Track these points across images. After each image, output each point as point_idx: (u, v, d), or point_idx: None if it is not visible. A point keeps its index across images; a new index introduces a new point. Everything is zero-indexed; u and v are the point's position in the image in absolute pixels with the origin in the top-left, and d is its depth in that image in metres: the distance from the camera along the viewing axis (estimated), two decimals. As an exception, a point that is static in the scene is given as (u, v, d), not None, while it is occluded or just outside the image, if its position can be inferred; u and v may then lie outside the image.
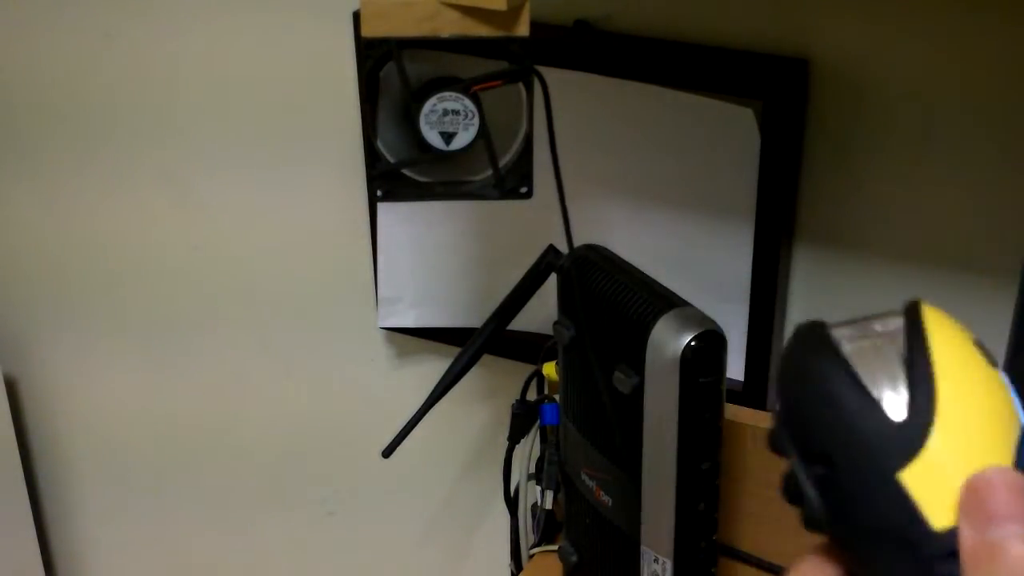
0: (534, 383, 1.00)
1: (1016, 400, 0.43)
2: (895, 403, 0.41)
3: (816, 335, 0.44)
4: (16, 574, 1.53)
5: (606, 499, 0.85)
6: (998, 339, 0.66)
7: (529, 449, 1.00)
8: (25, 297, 1.45)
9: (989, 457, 0.40)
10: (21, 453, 1.49)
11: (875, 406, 0.41)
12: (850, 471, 0.41)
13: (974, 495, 0.39)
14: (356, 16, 1.02)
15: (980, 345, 0.45)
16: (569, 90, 0.94)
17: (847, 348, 0.43)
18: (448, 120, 0.73)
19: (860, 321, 0.45)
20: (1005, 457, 0.40)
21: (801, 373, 0.44)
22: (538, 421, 0.99)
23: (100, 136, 1.29)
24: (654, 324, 0.76)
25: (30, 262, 1.43)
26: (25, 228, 1.40)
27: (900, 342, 0.43)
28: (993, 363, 0.44)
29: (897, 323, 0.45)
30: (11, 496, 1.49)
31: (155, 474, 1.49)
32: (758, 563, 0.95)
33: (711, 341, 0.76)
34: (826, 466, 0.41)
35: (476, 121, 0.73)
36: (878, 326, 0.45)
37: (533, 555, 1.01)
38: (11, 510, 1.50)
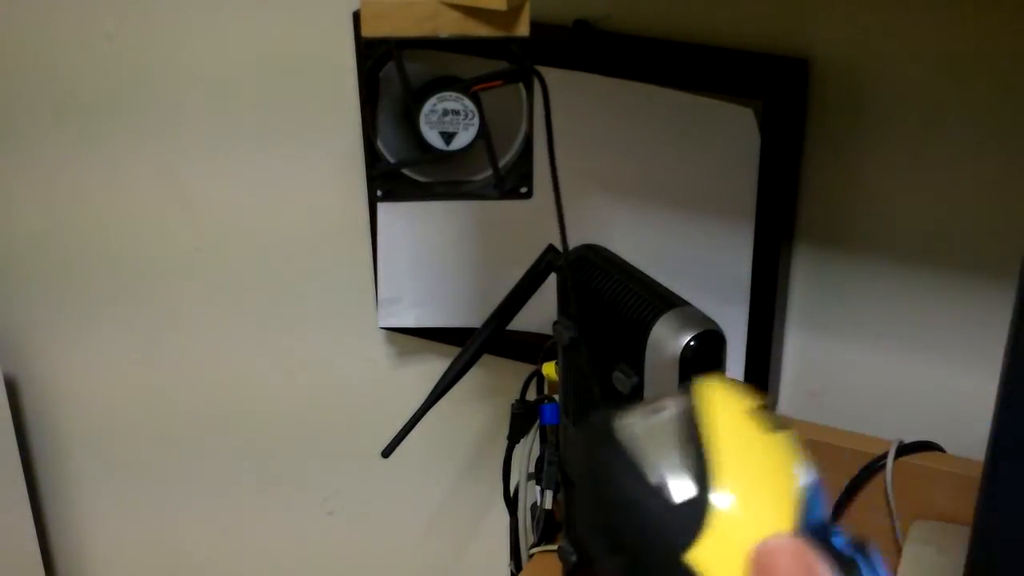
0: (534, 383, 1.00)
1: (800, 461, 0.44)
2: (676, 486, 0.42)
3: (602, 428, 0.45)
4: (16, 573, 1.53)
5: (606, 499, 0.85)
6: (998, 339, 0.66)
7: (529, 449, 1.00)
8: (25, 297, 1.45)
9: (771, 525, 0.41)
10: (21, 453, 1.49)
11: (656, 492, 0.42)
12: (646, 557, 0.42)
13: (759, 567, 0.40)
14: (356, 16, 1.02)
15: (763, 411, 0.46)
16: (569, 90, 0.94)
17: (628, 438, 0.44)
18: (448, 120, 0.73)
19: (646, 407, 0.46)
20: (787, 522, 0.41)
21: (593, 469, 0.45)
22: (538, 421, 0.99)
23: (101, 136, 1.29)
24: (654, 324, 0.76)
25: (30, 262, 1.43)
26: (25, 228, 1.40)
27: (681, 425, 0.44)
28: (777, 427, 0.45)
29: (679, 406, 0.45)
30: (11, 496, 1.49)
31: (155, 473, 1.49)
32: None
33: (711, 341, 0.76)
34: (625, 555, 0.42)
35: (476, 121, 0.73)
36: (660, 411, 0.45)
37: (533, 555, 1.01)
38: (11, 509, 1.50)
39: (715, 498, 0.41)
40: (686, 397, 0.45)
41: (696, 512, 0.41)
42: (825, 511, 0.44)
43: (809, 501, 0.43)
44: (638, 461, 0.43)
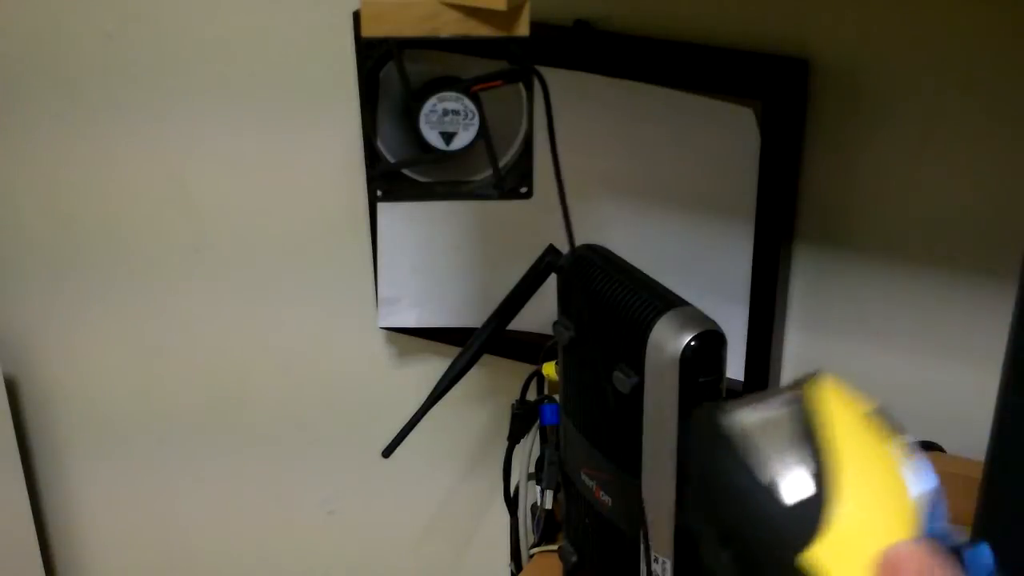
0: (534, 383, 1.00)
1: (910, 469, 0.43)
2: (791, 487, 0.41)
3: (712, 422, 0.45)
4: (16, 572, 1.53)
5: (606, 499, 0.85)
6: (998, 339, 0.66)
7: (529, 449, 1.00)
8: (25, 297, 1.45)
9: (893, 531, 0.40)
10: (21, 453, 1.49)
11: (770, 493, 0.41)
12: (756, 555, 0.41)
13: (890, 570, 0.39)
14: (356, 16, 1.02)
15: (878, 415, 0.45)
16: (569, 90, 0.94)
17: (742, 435, 0.43)
18: (448, 120, 0.73)
19: (757, 402, 0.45)
20: (909, 528, 0.41)
21: (702, 462, 0.44)
22: (538, 421, 0.99)
23: (102, 136, 1.29)
24: (654, 324, 0.76)
25: (30, 262, 1.43)
26: (26, 228, 1.40)
27: (794, 423, 0.43)
28: (892, 431, 0.44)
29: (792, 403, 0.44)
30: (11, 496, 1.49)
31: (155, 473, 1.49)
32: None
33: (711, 341, 0.75)
34: (737, 547, 0.42)
35: (476, 121, 0.73)
36: (773, 407, 0.45)
37: (533, 555, 1.01)
38: (11, 510, 1.50)
39: (834, 499, 0.40)
40: (799, 394, 0.44)
41: (813, 512, 0.40)
42: (945, 519, 0.43)
43: (930, 508, 0.42)
44: (751, 457, 0.42)
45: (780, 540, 0.40)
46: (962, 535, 0.42)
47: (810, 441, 0.42)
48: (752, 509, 0.41)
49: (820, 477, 0.41)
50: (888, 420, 0.44)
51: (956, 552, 0.40)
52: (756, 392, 0.47)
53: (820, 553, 0.40)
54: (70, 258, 1.39)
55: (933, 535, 0.41)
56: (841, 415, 0.44)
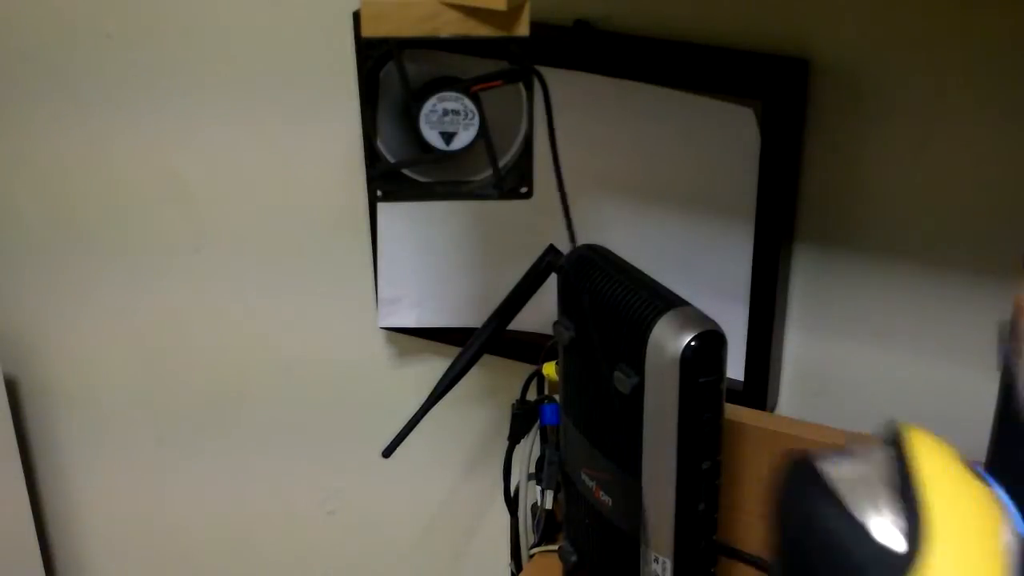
0: (534, 383, 1.00)
1: (1008, 512, 0.43)
2: (889, 533, 0.41)
3: (807, 471, 0.44)
4: (16, 572, 1.53)
5: (606, 499, 0.85)
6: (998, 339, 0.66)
7: (529, 449, 1.00)
8: (25, 297, 1.45)
9: None
10: (21, 453, 1.49)
11: (869, 538, 0.41)
12: None
13: None
14: (356, 16, 1.02)
15: (966, 463, 0.45)
16: (569, 90, 0.94)
17: (837, 482, 0.43)
18: (448, 120, 0.73)
19: (847, 452, 0.45)
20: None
21: (796, 511, 0.44)
22: (538, 421, 0.99)
23: (102, 136, 1.29)
24: (654, 324, 0.76)
25: (30, 261, 1.43)
26: (26, 228, 1.40)
27: (889, 470, 0.43)
28: (981, 479, 0.44)
29: (884, 450, 0.44)
30: (11, 496, 1.49)
31: (156, 473, 1.49)
32: (758, 563, 0.95)
33: (711, 341, 0.75)
34: None
35: (476, 121, 0.74)
36: (866, 456, 0.44)
37: (533, 555, 1.01)
38: (11, 510, 1.50)
39: (928, 549, 0.40)
40: (895, 443, 0.44)
41: (907, 563, 0.40)
42: None
43: (1020, 558, 0.42)
44: (852, 506, 0.42)
45: None
46: None
47: (911, 489, 0.42)
48: (853, 557, 0.41)
49: (916, 529, 0.41)
50: (974, 469, 0.44)
51: None
52: (847, 445, 0.46)
53: None
54: (70, 257, 1.39)
55: None
56: (936, 463, 0.43)
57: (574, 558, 0.92)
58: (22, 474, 1.50)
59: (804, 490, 0.44)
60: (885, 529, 0.41)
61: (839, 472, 0.44)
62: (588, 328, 0.82)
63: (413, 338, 1.19)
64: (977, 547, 0.41)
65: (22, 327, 1.47)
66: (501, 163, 0.76)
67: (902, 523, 0.41)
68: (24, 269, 1.43)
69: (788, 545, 0.43)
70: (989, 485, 0.44)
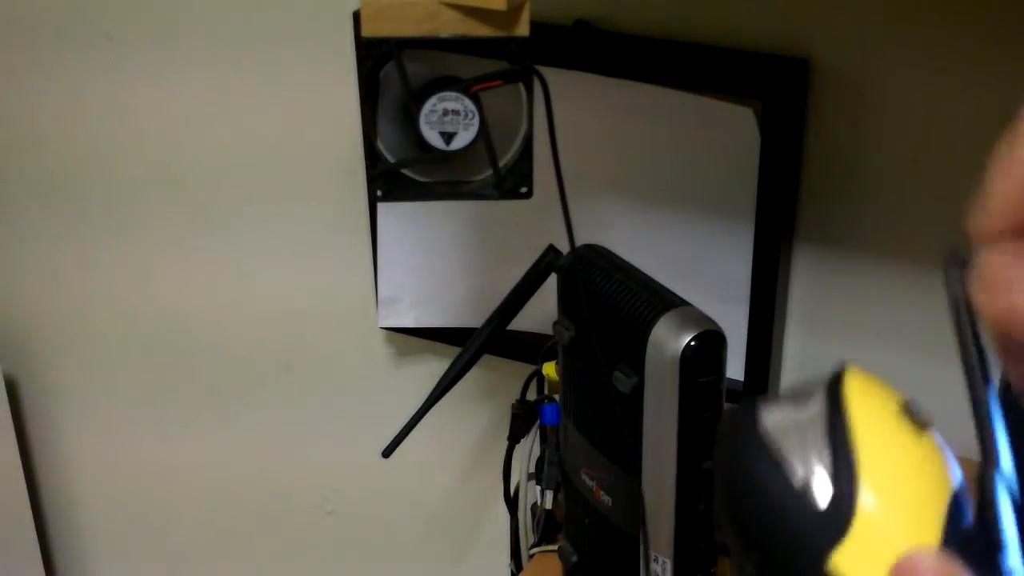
0: (534, 383, 1.00)
1: (949, 461, 0.42)
2: (819, 488, 0.40)
3: (742, 420, 0.44)
4: (17, 572, 1.53)
5: (606, 499, 0.85)
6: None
7: (529, 449, 1.00)
8: (25, 297, 1.45)
9: (917, 534, 0.39)
10: (21, 453, 1.49)
11: (799, 493, 0.40)
12: (783, 559, 0.40)
13: None
14: (356, 16, 1.02)
15: (910, 408, 0.44)
16: (569, 90, 0.94)
17: (771, 433, 0.42)
18: (448, 120, 0.73)
19: (787, 398, 0.44)
20: (934, 530, 0.40)
21: (729, 462, 0.44)
22: (538, 421, 0.99)
23: (101, 133, 1.29)
24: (654, 324, 0.76)
25: (30, 261, 1.43)
26: (26, 227, 1.40)
27: (824, 418, 0.42)
28: (924, 425, 0.43)
29: (821, 396, 0.44)
30: (11, 496, 1.49)
31: (156, 472, 1.49)
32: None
33: (711, 341, 0.75)
34: (762, 553, 0.41)
35: (476, 121, 0.74)
36: (803, 404, 0.44)
37: (533, 555, 1.01)
38: (11, 510, 1.50)
39: (859, 503, 0.40)
40: (832, 390, 0.43)
41: (839, 517, 0.39)
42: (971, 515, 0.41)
43: (961, 504, 0.41)
44: (783, 459, 0.41)
45: (808, 545, 0.40)
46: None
47: (841, 442, 0.41)
48: (782, 512, 0.40)
49: (849, 479, 0.40)
50: (919, 412, 0.44)
51: (990, 548, 0.40)
52: (786, 389, 0.46)
53: (842, 558, 0.39)
54: (70, 258, 1.39)
55: (963, 537, 0.40)
56: (873, 411, 0.43)
57: (574, 558, 0.92)
58: (22, 474, 1.50)
59: (739, 438, 0.43)
60: (814, 480, 0.40)
61: (774, 419, 0.43)
62: (588, 328, 0.82)
63: (413, 338, 1.19)
64: (912, 499, 0.41)
65: (22, 327, 1.47)
66: (501, 163, 0.76)
67: (832, 474, 0.41)
68: (25, 269, 1.43)
69: (723, 491, 0.43)
70: (930, 431, 0.43)
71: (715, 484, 0.44)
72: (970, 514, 0.41)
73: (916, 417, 0.43)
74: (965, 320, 0.42)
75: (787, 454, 0.41)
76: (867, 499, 0.40)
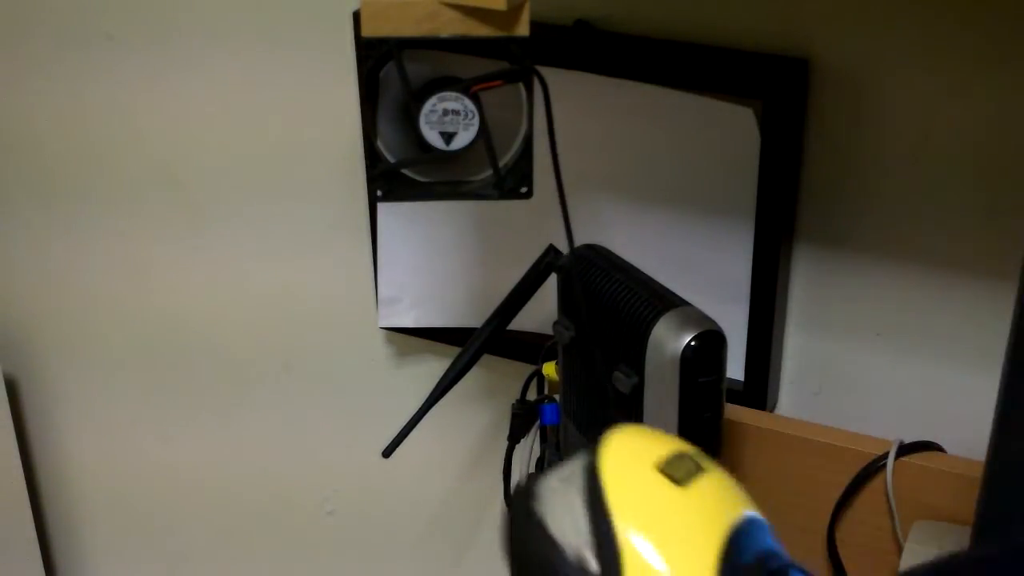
0: (534, 383, 1.00)
1: (727, 501, 0.42)
2: (587, 555, 0.41)
3: (521, 502, 0.44)
4: (17, 573, 1.53)
5: (606, 499, 0.85)
6: (998, 339, 0.66)
7: (529, 449, 1.00)
8: (25, 297, 1.45)
9: None
10: (21, 453, 1.49)
11: (577, 569, 0.41)
12: None
13: None
14: (356, 16, 1.02)
15: (676, 460, 0.44)
16: (569, 90, 0.94)
17: (543, 512, 0.43)
18: (448, 120, 0.73)
19: (557, 470, 0.45)
20: (708, 572, 0.40)
21: (514, 546, 0.44)
22: (538, 421, 0.99)
23: (101, 132, 1.29)
24: (654, 324, 0.76)
25: (30, 261, 1.43)
26: (25, 227, 1.40)
27: (585, 490, 0.43)
28: (694, 472, 0.43)
29: (581, 468, 0.44)
30: (11, 496, 1.49)
31: (155, 471, 1.49)
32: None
33: (711, 341, 0.76)
34: None
35: (476, 121, 0.73)
36: (568, 477, 0.44)
37: (533, 555, 1.01)
38: (11, 510, 1.50)
39: (623, 566, 0.40)
40: (591, 455, 0.44)
41: None
42: (766, 542, 0.42)
43: (738, 542, 0.41)
44: (553, 531, 0.42)
45: None
46: (785, 557, 0.42)
47: (597, 511, 0.42)
48: None
49: (608, 548, 0.41)
50: (692, 457, 0.43)
51: (779, 574, 0.40)
52: (555, 464, 0.47)
53: None
54: (70, 258, 1.39)
55: (744, 570, 0.40)
56: (627, 476, 0.43)
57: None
58: (22, 473, 1.50)
59: (519, 520, 0.44)
60: (585, 553, 0.41)
61: (545, 497, 0.44)
62: (588, 328, 0.82)
63: (413, 338, 1.19)
64: (677, 550, 0.41)
65: (22, 327, 1.47)
66: (501, 163, 0.76)
67: (596, 544, 0.41)
68: (25, 269, 1.43)
69: (512, 565, 0.44)
70: (698, 479, 0.43)
71: (507, 566, 0.45)
72: (758, 542, 0.42)
73: (675, 472, 0.43)
74: None
75: (558, 532, 0.42)
76: (631, 562, 0.40)
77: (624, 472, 0.43)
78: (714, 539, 0.41)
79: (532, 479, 0.45)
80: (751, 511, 0.43)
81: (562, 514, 0.42)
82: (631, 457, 0.44)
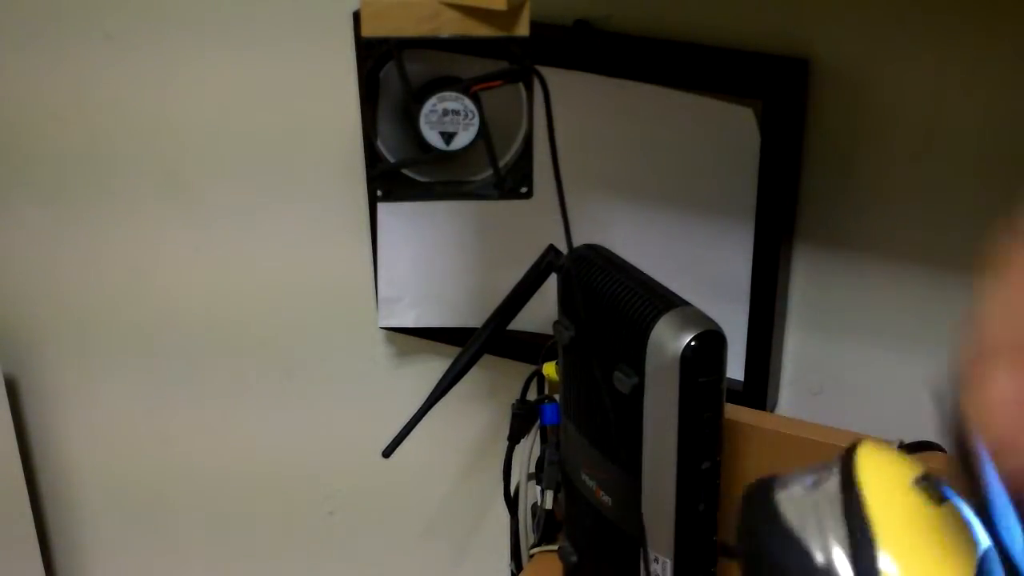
0: (534, 383, 1.00)
1: (971, 526, 0.42)
2: (841, 569, 0.41)
3: (759, 503, 0.44)
4: (17, 573, 1.53)
5: (606, 499, 0.85)
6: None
7: (529, 449, 1.00)
8: (26, 297, 1.45)
9: None
10: (21, 453, 1.49)
11: (820, 568, 0.41)
12: None
13: None
14: (356, 16, 1.02)
15: (924, 481, 0.43)
16: (569, 90, 0.94)
17: (789, 516, 0.43)
18: (448, 120, 0.74)
19: (802, 478, 0.44)
20: None
21: (751, 547, 0.44)
22: (538, 421, 0.99)
23: (101, 130, 1.29)
24: (654, 324, 0.76)
25: (30, 261, 1.43)
26: (25, 226, 1.40)
27: (842, 501, 0.43)
28: (939, 499, 0.43)
29: (835, 473, 0.44)
30: (11, 496, 1.49)
31: (156, 472, 1.49)
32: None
33: (711, 341, 0.75)
34: None
35: (476, 121, 0.74)
36: (818, 483, 0.44)
37: (533, 555, 1.01)
38: (11, 510, 1.50)
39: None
40: (846, 467, 0.43)
41: None
42: None
43: (988, 570, 0.41)
44: (802, 539, 0.41)
45: None
46: None
47: (854, 520, 0.41)
48: None
49: (865, 558, 0.40)
50: (934, 484, 0.43)
51: None
52: (800, 469, 0.46)
53: None
54: (70, 258, 1.39)
55: None
56: (889, 486, 0.43)
57: (574, 558, 0.92)
58: (22, 473, 1.50)
59: (758, 522, 0.44)
60: (835, 562, 0.41)
61: (790, 498, 0.43)
62: (588, 328, 0.82)
63: (413, 338, 1.19)
64: (935, 565, 0.41)
65: (22, 327, 1.47)
66: (501, 163, 0.76)
67: (852, 554, 0.41)
68: (25, 269, 1.43)
69: (747, 560, 0.43)
70: (948, 502, 0.43)
71: (741, 566, 0.44)
72: (999, 571, 0.41)
73: (931, 489, 0.43)
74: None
75: (806, 537, 0.42)
76: (891, 572, 0.40)
77: (883, 485, 0.43)
78: (968, 563, 0.41)
79: (767, 482, 0.44)
80: (989, 544, 0.42)
81: (812, 520, 0.42)
82: (889, 471, 0.44)
